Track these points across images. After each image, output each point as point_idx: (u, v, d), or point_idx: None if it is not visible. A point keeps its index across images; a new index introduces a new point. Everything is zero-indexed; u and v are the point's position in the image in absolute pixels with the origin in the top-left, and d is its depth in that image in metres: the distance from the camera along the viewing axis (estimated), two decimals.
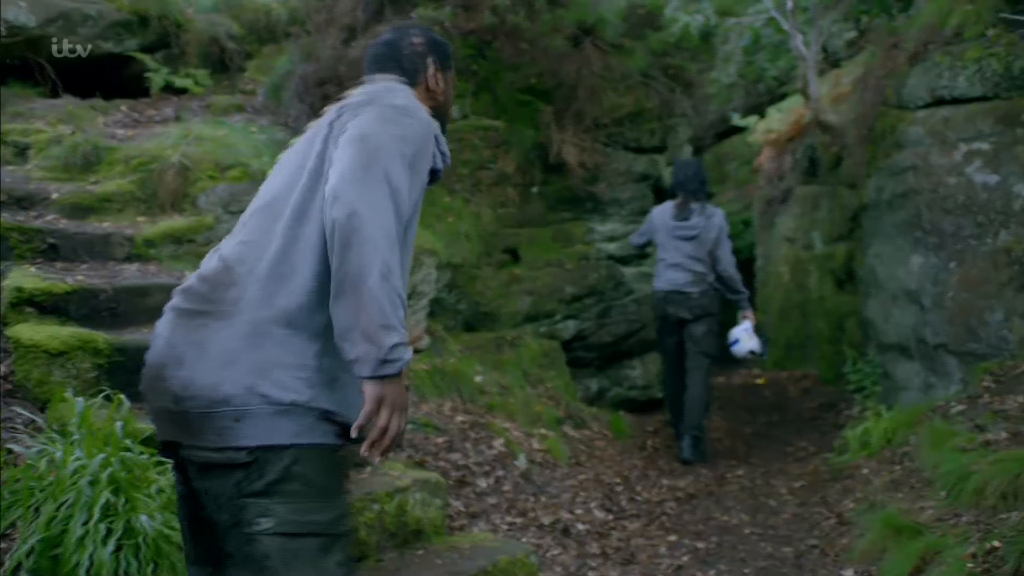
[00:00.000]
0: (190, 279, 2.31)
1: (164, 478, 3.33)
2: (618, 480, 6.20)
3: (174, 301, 2.30)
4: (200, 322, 2.19)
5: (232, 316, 2.17)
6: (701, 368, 7.17)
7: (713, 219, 7.25)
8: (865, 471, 5.92)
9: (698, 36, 9.13)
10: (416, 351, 6.41)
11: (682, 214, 7.21)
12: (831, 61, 13.35)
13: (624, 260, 8.39)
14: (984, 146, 6.51)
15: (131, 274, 5.06)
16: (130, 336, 4.28)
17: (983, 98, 6.60)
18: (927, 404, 6.41)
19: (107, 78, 7.95)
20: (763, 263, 12.21)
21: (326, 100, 7.17)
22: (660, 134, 8.56)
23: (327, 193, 2.13)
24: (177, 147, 6.24)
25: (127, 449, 3.34)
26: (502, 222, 7.56)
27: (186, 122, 7.06)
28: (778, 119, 13.91)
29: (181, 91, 8.04)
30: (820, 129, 9.72)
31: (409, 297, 6.27)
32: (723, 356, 7.77)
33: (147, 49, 8.23)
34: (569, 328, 7.82)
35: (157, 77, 7.96)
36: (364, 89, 2.46)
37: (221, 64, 8.65)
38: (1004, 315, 6.28)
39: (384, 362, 2.06)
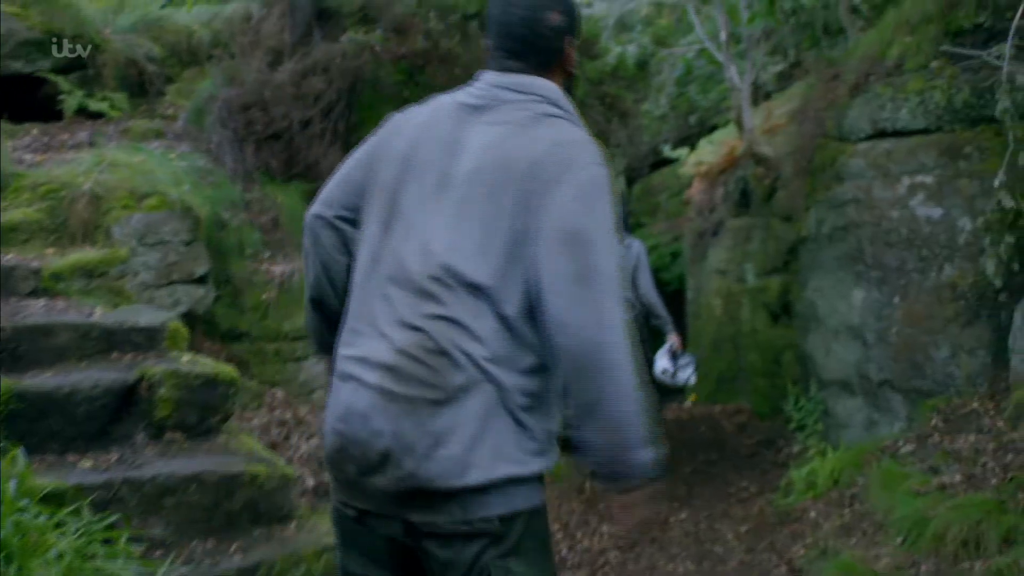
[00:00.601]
0: (378, 351, 2.15)
1: (65, 541, 2.97)
2: (557, 527, 5.90)
3: (374, 379, 2.14)
4: (428, 411, 2.08)
5: (463, 402, 2.08)
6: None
7: (631, 249, 7.32)
8: (813, 514, 5.71)
9: (634, 65, 8.95)
10: None
11: None
12: (762, 93, 13.34)
13: None
14: (927, 179, 6.38)
15: (36, 311, 4.64)
16: (32, 380, 3.90)
17: (926, 131, 6.49)
18: (873, 443, 6.24)
19: (16, 100, 7.46)
20: (694, 295, 12.07)
21: (250, 126, 6.85)
22: None
23: (551, 318, 2.05)
24: (90, 174, 5.81)
25: (22, 510, 2.97)
26: None
27: (101, 147, 6.62)
28: (709, 151, 13.86)
29: (97, 115, 7.57)
30: (754, 161, 9.61)
31: None
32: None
33: (61, 70, 7.76)
34: None
35: (71, 100, 7.49)
36: (537, 110, 2.22)
37: (140, 87, 8.20)
38: (950, 351, 6.13)
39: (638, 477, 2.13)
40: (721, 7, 10.76)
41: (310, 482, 5.02)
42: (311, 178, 6.88)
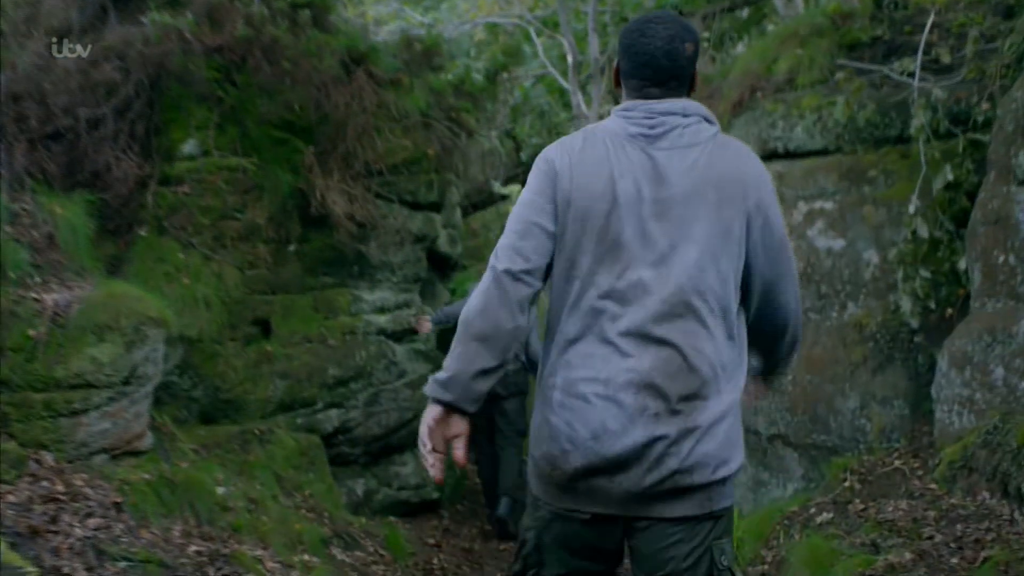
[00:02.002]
0: (623, 370, 2.38)
1: None
2: None
3: (627, 396, 2.37)
4: (687, 414, 2.36)
5: (707, 402, 2.37)
6: (515, 444, 7.21)
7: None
8: None
9: (485, 78, 7.98)
10: (134, 453, 4.74)
11: None
12: None
13: (396, 336, 6.99)
14: (827, 205, 5.63)
15: None
16: None
17: (824, 151, 5.76)
18: (772, 508, 5.37)
19: None
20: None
21: (22, 121, 5.50)
22: (439, 188, 7.29)
23: (785, 309, 2.55)
24: None
25: None
26: (251, 286, 6.00)
27: None
28: None
29: None
30: None
31: (127, 381, 4.62)
32: None
33: None
34: (332, 419, 6.31)
35: None
36: (708, 132, 2.48)
37: None
38: (858, 401, 5.35)
39: None
40: (568, 31, 9.98)
41: None
42: (99, 188, 5.55)
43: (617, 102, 2.65)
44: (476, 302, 2.44)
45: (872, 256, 5.45)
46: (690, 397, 2.35)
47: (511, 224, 2.47)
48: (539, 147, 14.09)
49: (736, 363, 2.42)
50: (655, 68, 2.49)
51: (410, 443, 7.12)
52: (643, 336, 2.36)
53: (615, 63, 2.64)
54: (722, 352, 2.38)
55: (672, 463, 2.34)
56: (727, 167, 2.42)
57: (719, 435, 2.38)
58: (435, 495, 7.39)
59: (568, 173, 2.43)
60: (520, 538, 2.61)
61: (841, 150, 5.68)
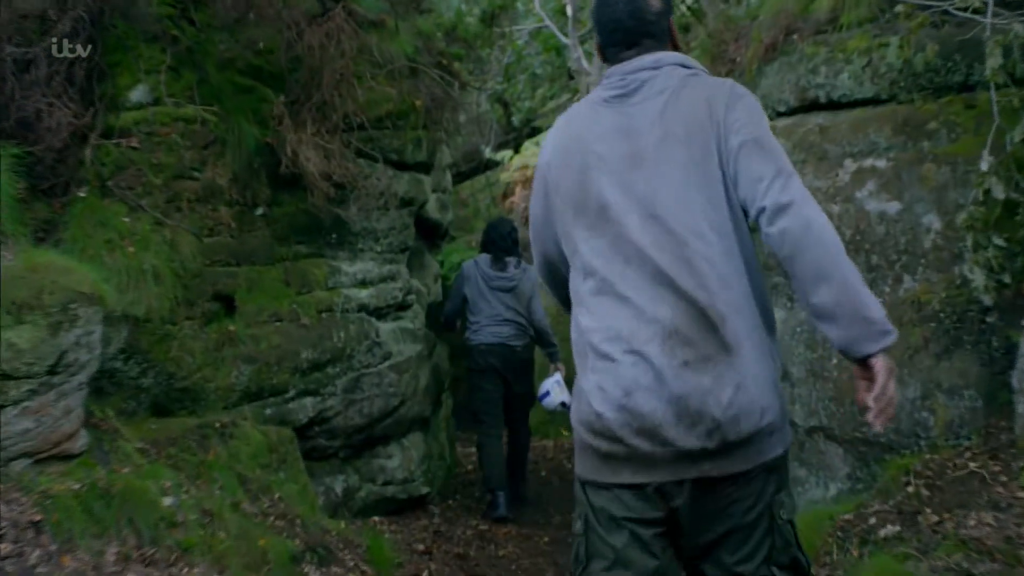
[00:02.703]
0: (645, 326, 2.37)
1: None
2: None
3: (654, 350, 2.35)
4: (721, 362, 2.32)
5: (739, 348, 2.34)
6: (526, 421, 7.36)
7: (528, 272, 7.09)
8: None
9: (480, 21, 7.15)
10: (64, 457, 3.94)
11: (498, 265, 7.08)
12: None
13: (380, 313, 6.19)
14: (880, 163, 4.85)
15: None
16: None
17: (875, 100, 4.97)
18: (817, 513, 4.61)
19: None
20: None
21: None
22: (428, 147, 6.48)
23: (769, 204, 2.30)
24: None
25: None
26: (210, 256, 5.17)
27: None
28: (535, 153, 12.29)
29: None
30: None
31: (53, 371, 3.81)
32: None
33: None
34: (306, 408, 5.50)
35: None
36: (680, 74, 2.54)
37: None
38: (919, 390, 4.59)
39: (885, 333, 2.28)
40: None
41: None
42: (28, 140, 4.71)
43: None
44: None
45: (933, 221, 4.67)
46: (717, 341, 2.33)
47: None
48: (531, 111, 13.31)
49: (754, 295, 2.41)
50: (624, 31, 2.60)
51: (397, 433, 6.38)
52: (654, 286, 2.37)
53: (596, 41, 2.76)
54: (736, 286, 2.38)
55: (715, 412, 2.31)
56: (693, 97, 2.47)
57: (759, 377, 2.36)
58: (424, 490, 6.64)
59: (556, 162, 2.62)
60: (574, 547, 2.55)
61: (895, 99, 4.89)
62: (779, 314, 5.18)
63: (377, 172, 5.85)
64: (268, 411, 5.28)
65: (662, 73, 2.51)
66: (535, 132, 13.52)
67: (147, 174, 4.97)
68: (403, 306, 6.55)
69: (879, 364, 2.28)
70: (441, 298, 8.14)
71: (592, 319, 2.45)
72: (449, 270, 11.96)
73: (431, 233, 7.70)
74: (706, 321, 2.32)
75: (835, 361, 4.90)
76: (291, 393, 5.38)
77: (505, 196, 13.87)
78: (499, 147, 13.38)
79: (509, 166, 12.58)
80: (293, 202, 5.58)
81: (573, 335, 2.55)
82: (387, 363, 6.08)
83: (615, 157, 2.46)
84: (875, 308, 2.27)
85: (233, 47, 5.36)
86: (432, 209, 7.24)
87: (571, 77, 12.15)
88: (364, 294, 5.95)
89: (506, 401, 7.08)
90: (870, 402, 2.30)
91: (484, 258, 7.14)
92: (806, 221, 2.28)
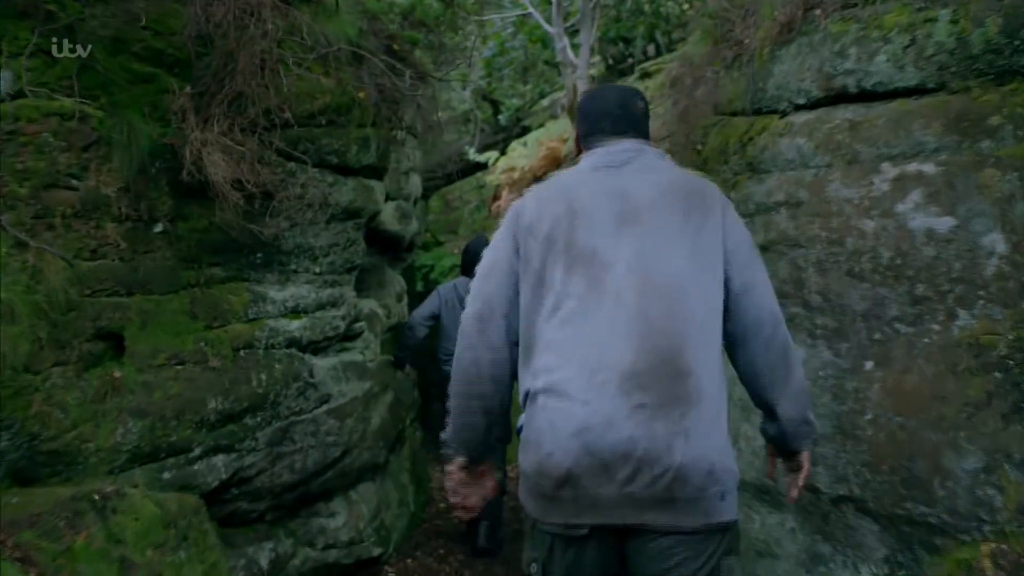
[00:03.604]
0: (602, 371, 2.40)
1: None
2: None
3: (609, 393, 2.38)
4: (678, 412, 2.36)
5: (700, 403, 2.38)
6: (502, 458, 6.45)
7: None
8: None
9: (440, 3, 6.13)
10: None
11: None
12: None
13: (316, 347, 5.19)
14: (926, 168, 3.84)
15: None
16: None
17: (920, 89, 3.96)
18: None
19: None
20: None
21: None
22: (378, 146, 5.46)
23: (765, 311, 2.63)
24: None
25: None
26: (92, 284, 4.15)
27: None
28: (522, 154, 11.36)
29: None
30: None
31: None
32: None
33: None
34: (217, 468, 4.48)
35: None
36: (663, 163, 2.79)
37: None
38: (982, 461, 3.57)
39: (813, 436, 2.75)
40: None
41: None
42: None
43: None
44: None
45: (997, 242, 3.66)
46: (679, 391, 2.37)
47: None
48: (519, 109, 12.32)
49: (715, 366, 2.49)
50: (613, 119, 2.83)
51: (341, 486, 5.38)
52: (626, 330, 2.42)
53: (575, 131, 3.02)
54: (709, 346, 2.48)
55: (666, 460, 2.33)
56: (687, 182, 2.70)
57: (714, 438, 2.41)
58: (376, 551, 5.62)
59: (531, 207, 2.71)
60: (525, 573, 2.58)
61: (946, 87, 3.89)
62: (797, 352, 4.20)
63: (308, 178, 4.82)
64: (166, 475, 4.27)
65: (646, 154, 2.74)
66: (525, 131, 12.58)
67: (9, 183, 3.96)
68: (349, 335, 5.55)
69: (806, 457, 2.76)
70: (406, 318, 7.18)
71: (552, 357, 2.47)
72: (441, 274, 10.95)
73: (391, 246, 6.69)
74: (672, 370, 2.38)
75: (870, 417, 3.90)
76: (196, 451, 4.36)
77: (496, 199, 12.93)
78: (486, 148, 12.47)
79: (495, 168, 11.60)
80: (205, 216, 4.56)
81: (524, 378, 2.59)
82: (324, 407, 5.08)
83: (606, 212, 2.58)
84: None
85: (126, 27, 4.35)
86: (389, 220, 6.24)
87: (558, 72, 11.23)
88: (295, 325, 4.94)
89: None
90: (793, 493, 2.75)
91: (463, 281, 6.48)
92: (783, 329, 2.67)
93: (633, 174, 2.65)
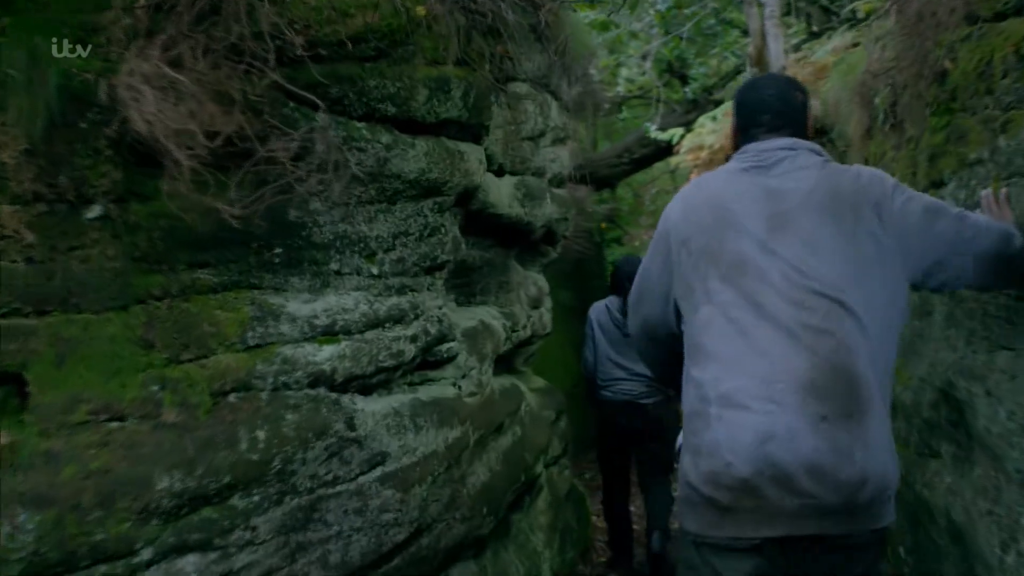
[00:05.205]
0: (780, 381, 2.35)
1: None
2: None
3: (792, 402, 2.33)
4: (855, 420, 2.32)
5: (872, 409, 2.35)
6: (664, 483, 6.08)
7: None
8: None
9: None
10: None
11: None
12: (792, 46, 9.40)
13: (364, 384, 3.55)
14: None
15: None
16: None
17: None
18: None
19: None
20: None
21: None
22: (464, 92, 3.80)
23: (973, 229, 2.56)
24: None
25: None
26: None
27: None
28: (711, 130, 9.75)
29: None
30: None
31: None
32: None
33: None
34: None
35: None
36: (816, 159, 2.70)
37: None
38: None
39: None
40: None
41: None
42: None
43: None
44: None
45: None
46: (853, 400, 2.34)
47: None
48: (706, 78, 10.57)
49: (890, 365, 2.48)
50: (772, 114, 2.79)
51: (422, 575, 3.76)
52: (791, 339, 2.37)
53: (731, 125, 2.95)
54: (874, 350, 2.40)
55: (848, 469, 2.29)
56: (841, 179, 2.61)
57: (883, 442, 2.36)
58: None
59: (679, 218, 2.73)
60: None
61: None
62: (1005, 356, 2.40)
63: (353, 137, 3.22)
64: None
65: (800, 154, 2.68)
66: (717, 104, 10.80)
67: None
68: (431, 362, 3.93)
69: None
70: (548, 329, 5.76)
71: (718, 369, 2.45)
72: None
73: (514, 237, 5.05)
74: (846, 379, 2.34)
75: None
76: (144, 554, 2.82)
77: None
78: (668, 125, 10.78)
79: (679, 147, 9.87)
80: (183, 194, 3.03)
81: (688, 390, 2.56)
82: (376, 472, 3.46)
83: (757, 217, 2.56)
84: None
85: None
86: (504, 201, 4.58)
87: (745, 33, 9.42)
88: (325, 353, 3.29)
89: (638, 464, 6.26)
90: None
91: (614, 301, 6.19)
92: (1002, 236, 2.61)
93: (784, 175, 2.63)
